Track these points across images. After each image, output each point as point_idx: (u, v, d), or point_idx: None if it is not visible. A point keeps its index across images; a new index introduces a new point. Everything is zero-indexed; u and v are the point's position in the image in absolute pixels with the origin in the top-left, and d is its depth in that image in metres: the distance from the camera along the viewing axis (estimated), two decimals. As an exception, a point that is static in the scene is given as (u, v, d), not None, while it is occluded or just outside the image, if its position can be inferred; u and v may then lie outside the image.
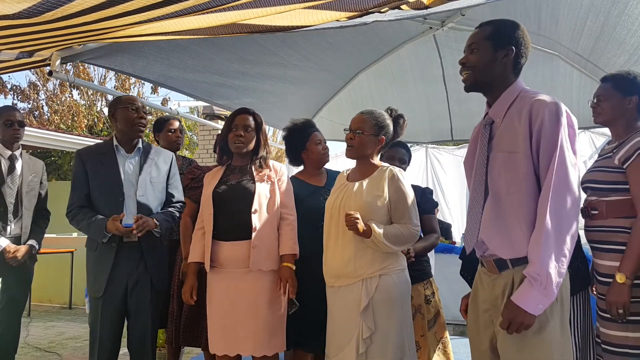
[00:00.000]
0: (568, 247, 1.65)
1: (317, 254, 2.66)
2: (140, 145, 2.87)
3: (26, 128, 3.33)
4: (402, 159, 3.05)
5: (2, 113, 3.26)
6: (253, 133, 2.74)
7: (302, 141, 3.07)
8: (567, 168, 1.67)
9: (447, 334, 3.02)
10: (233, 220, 2.63)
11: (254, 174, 2.70)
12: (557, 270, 1.62)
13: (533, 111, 1.72)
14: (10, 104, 14.98)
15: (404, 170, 3.04)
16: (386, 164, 2.52)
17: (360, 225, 2.25)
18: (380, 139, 2.47)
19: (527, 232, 1.71)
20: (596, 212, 2.33)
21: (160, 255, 2.88)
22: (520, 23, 1.89)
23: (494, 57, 1.83)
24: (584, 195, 2.44)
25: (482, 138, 1.89)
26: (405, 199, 2.38)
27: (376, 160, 2.53)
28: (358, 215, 2.27)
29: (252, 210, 2.61)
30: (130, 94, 15.63)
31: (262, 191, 2.66)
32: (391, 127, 2.52)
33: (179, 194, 2.99)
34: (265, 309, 2.59)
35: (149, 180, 2.83)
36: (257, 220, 2.62)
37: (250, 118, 2.74)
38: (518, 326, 1.65)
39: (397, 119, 2.57)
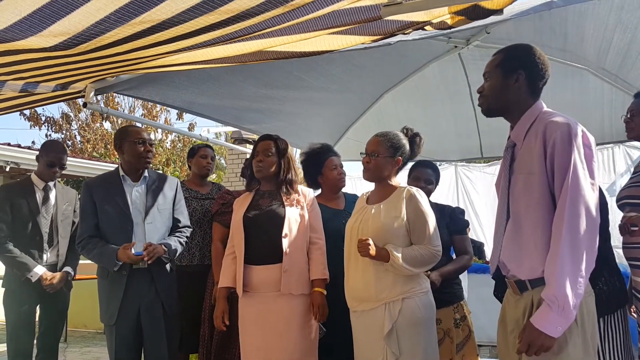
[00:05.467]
0: (585, 268, 1.64)
1: (341, 277, 2.68)
2: (146, 173, 2.93)
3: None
4: (429, 179, 3.02)
5: (49, 153, 3.34)
6: (274, 157, 2.75)
7: (318, 166, 3.11)
8: (580, 188, 1.65)
9: (478, 358, 2.94)
10: (264, 244, 2.65)
11: (283, 198, 2.73)
12: (574, 291, 1.61)
13: (547, 133, 1.73)
14: (45, 135, 15.49)
15: (432, 190, 3.01)
16: (404, 185, 2.50)
17: (372, 251, 2.22)
18: (396, 160, 2.46)
19: (543, 252, 1.71)
20: (636, 228, 2.27)
21: (170, 281, 2.92)
22: (537, 44, 1.92)
23: (504, 83, 1.86)
24: (620, 213, 2.39)
25: (505, 161, 1.92)
26: (423, 218, 2.35)
27: (394, 181, 2.51)
28: (370, 242, 2.24)
29: (283, 234, 2.62)
30: (158, 121, 16.00)
31: (292, 215, 2.68)
32: (407, 147, 2.51)
33: (184, 219, 3.06)
34: (296, 332, 2.59)
35: (157, 207, 2.89)
36: (287, 244, 2.62)
37: (272, 143, 2.77)
38: (537, 349, 1.64)
39: (413, 137, 2.56)
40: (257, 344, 2.61)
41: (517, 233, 1.82)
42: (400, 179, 2.63)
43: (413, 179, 2.99)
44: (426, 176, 3.01)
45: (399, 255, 2.24)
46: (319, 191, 3.22)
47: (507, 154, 1.91)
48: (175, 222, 3.01)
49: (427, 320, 2.33)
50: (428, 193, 2.91)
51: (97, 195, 2.80)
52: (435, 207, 2.96)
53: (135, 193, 2.86)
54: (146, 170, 2.95)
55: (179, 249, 2.95)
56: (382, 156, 2.44)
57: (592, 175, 1.70)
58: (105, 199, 2.79)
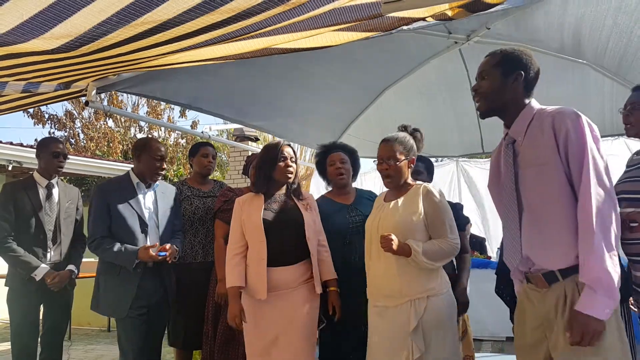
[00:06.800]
0: (615, 246, 1.66)
1: (343, 271, 2.84)
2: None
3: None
4: (417, 170, 3.01)
5: (50, 144, 3.38)
6: (295, 164, 2.85)
7: (323, 163, 3.21)
8: (600, 170, 1.71)
9: (474, 353, 2.96)
10: (285, 247, 2.71)
11: (297, 202, 2.83)
12: (614, 269, 1.63)
13: (556, 124, 1.78)
14: (48, 134, 15.53)
15: (425, 181, 2.97)
16: (420, 182, 2.53)
17: (395, 245, 2.25)
18: (411, 160, 2.51)
19: (571, 239, 1.73)
20: (636, 224, 2.26)
21: (172, 277, 3.21)
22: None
23: (503, 83, 1.92)
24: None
25: (506, 157, 1.95)
26: (440, 213, 2.39)
27: (410, 180, 2.54)
28: (393, 237, 2.26)
29: (307, 237, 2.74)
30: (162, 119, 15.99)
31: (308, 220, 2.79)
32: (415, 144, 2.55)
33: (180, 223, 3.34)
34: (311, 324, 2.74)
35: (164, 212, 3.18)
36: (311, 247, 2.75)
37: (292, 150, 2.86)
38: (592, 335, 1.63)
39: (414, 133, 2.60)
40: (272, 338, 2.67)
41: (537, 225, 1.83)
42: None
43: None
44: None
45: (420, 250, 2.27)
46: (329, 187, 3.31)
47: (508, 151, 1.94)
48: (174, 225, 3.25)
49: (451, 318, 2.37)
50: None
51: (112, 199, 3.00)
52: None
53: (147, 199, 3.13)
54: None
55: (181, 250, 3.22)
56: (400, 161, 2.47)
57: (602, 159, 1.75)
58: (120, 203, 3.01)
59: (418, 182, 2.54)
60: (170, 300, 3.16)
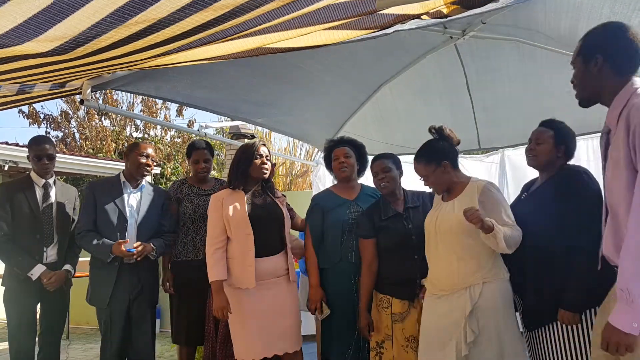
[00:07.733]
0: None
1: (340, 264, 2.96)
2: (143, 183, 3.42)
3: (58, 155, 3.44)
4: (385, 167, 2.89)
5: (32, 147, 3.33)
6: (270, 162, 3.03)
7: (329, 158, 3.27)
8: None
9: None
10: (268, 239, 2.92)
11: (273, 199, 3.03)
12: None
13: (630, 115, 1.63)
14: (44, 133, 15.45)
15: (395, 175, 2.92)
16: (475, 178, 2.57)
17: (483, 217, 2.23)
18: (443, 165, 2.53)
19: None
20: None
21: (153, 274, 3.39)
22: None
23: (586, 70, 1.81)
24: None
25: (600, 149, 1.84)
26: (499, 205, 2.42)
27: (461, 177, 2.58)
28: (477, 208, 2.27)
29: (285, 231, 2.98)
30: (158, 118, 15.96)
31: (285, 214, 3.03)
32: (443, 146, 2.58)
33: (169, 225, 3.46)
34: (296, 309, 2.98)
35: (148, 212, 3.33)
36: (287, 240, 2.98)
37: (267, 150, 3.02)
38: (615, 346, 1.54)
39: (440, 132, 2.63)
40: (264, 325, 2.81)
41: (613, 225, 1.72)
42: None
43: (373, 176, 2.94)
44: (382, 166, 2.90)
45: (501, 227, 2.28)
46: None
47: (601, 141, 1.84)
48: (161, 226, 3.39)
49: (505, 305, 2.41)
50: (391, 180, 2.88)
51: (99, 195, 3.23)
52: (415, 194, 2.98)
53: (132, 198, 3.32)
54: (144, 180, 3.41)
55: (164, 250, 3.37)
56: (431, 174, 2.54)
57: None
58: (106, 200, 3.22)
59: (473, 178, 2.57)
60: (152, 292, 3.33)
